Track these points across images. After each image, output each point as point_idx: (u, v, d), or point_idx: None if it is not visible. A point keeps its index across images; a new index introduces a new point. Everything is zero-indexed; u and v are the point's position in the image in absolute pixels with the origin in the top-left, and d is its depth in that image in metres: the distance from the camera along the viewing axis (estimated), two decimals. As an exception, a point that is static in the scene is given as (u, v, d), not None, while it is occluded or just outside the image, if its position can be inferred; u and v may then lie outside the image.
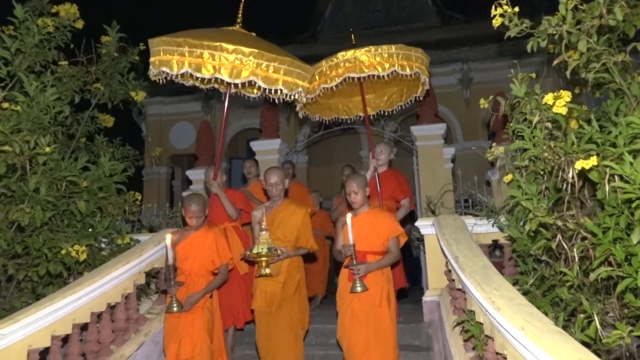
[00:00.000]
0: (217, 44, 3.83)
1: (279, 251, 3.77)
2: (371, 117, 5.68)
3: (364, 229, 3.71)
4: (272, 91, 4.17)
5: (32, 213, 3.81)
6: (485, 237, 4.31)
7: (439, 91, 7.67)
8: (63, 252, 3.91)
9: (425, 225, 4.59)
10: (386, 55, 4.57)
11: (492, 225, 4.19)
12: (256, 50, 3.88)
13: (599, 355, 2.44)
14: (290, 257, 3.96)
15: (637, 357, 2.48)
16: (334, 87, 4.80)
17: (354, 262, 3.53)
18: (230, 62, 3.85)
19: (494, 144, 3.62)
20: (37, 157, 3.97)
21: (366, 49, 4.62)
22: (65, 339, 3.57)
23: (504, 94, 4.24)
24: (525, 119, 3.02)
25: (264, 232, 3.74)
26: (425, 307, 4.54)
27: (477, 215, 4.39)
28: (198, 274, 3.84)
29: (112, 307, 3.98)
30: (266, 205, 4.11)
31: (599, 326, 2.40)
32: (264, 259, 3.72)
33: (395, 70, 4.58)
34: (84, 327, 3.72)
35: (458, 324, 3.38)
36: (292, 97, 4.23)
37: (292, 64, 4.08)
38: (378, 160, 5.09)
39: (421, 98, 5.31)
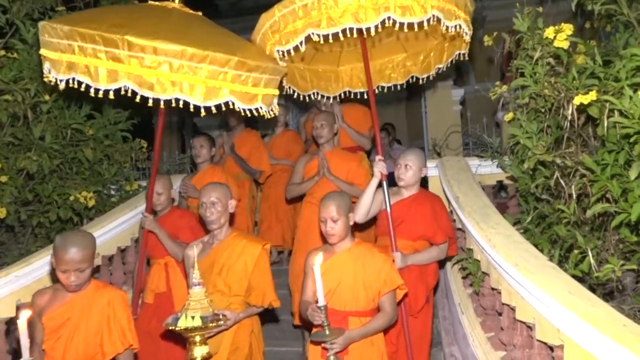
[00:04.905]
0: (180, 48, 2.54)
1: (221, 317, 2.33)
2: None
3: (345, 278, 2.57)
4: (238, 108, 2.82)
5: (39, 161, 3.90)
6: (489, 177, 4.30)
7: (450, 31, 7.44)
8: (72, 198, 4.02)
9: (429, 167, 4.57)
10: None
11: (497, 166, 4.17)
12: (235, 58, 2.68)
13: (593, 290, 2.49)
14: (239, 322, 2.69)
15: (630, 290, 2.52)
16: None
17: (326, 331, 2.35)
18: (201, 78, 2.62)
19: (497, 83, 3.55)
20: (40, 105, 4.01)
21: None
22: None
23: (515, 32, 4.08)
24: (527, 55, 2.94)
25: (196, 289, 2.28)
26: (429, 247, 4.60)
27: (481, 157, 4.37)
28: None
29: (122, 251, 4.10)
30: (204, 241, 2.83)
31: (592, 261, 2.42)
32: (197, 334, 2.27)
33: (437, 17, 2.77)
34: (96, 270, 3.87)
35: (457, 261, 3.43)
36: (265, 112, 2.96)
37: (275, 70, 2.94)
38: (399, 179, 3.25)
39: (466, 56, 3.56)
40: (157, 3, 3.13)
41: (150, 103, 2.66)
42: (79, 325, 2.36)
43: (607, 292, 2.63)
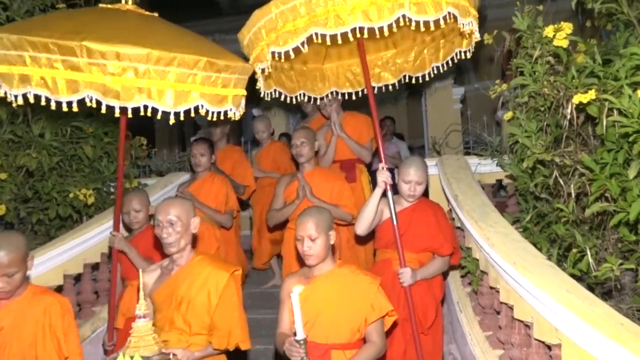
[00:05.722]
0: (145, 51, 2.35)
1: (171, 357, 2.02)
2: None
3: (326, 306, 2.26)
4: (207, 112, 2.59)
5: (38, 158, 3.90)
6: (489, 176, 4.29)
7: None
8: (71, 195, 4.02)
9: (428, 166, 4.55)
10: None
11: (496, 165, 4.16)
12: (204, 59, 2.50)
13: (592, 289, 2.49)
14: None
15: (629, 289, 2.52)
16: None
17: None
18: (169, 82, 2.42)
19: (497, 81, 3.54)
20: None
21: None
22: (78, 278, 3.74)
23: (516, 31, 4.03)
24: (527, 54, 2.93)
25: (140, 323, 1.96)
26: (428, 246, 4.59)
27: (481, 155, 4.36)
28: None
29: (121, 248, 4.10)
30: (163, 266, 2.39)
31: (591, 260, 2.42)
32: None
33: (453, 14, 2.56)
34: (95, 267, 3.88)
35: (456, 260, 3.43)
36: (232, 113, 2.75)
37: (244, 69, 2.76)
38: (410, 196, 2.97)
39: (469, 53, 3.31)
40: (109, 6, 2.89)
41: (117, 113, 2.46)
42: (11, 335, 2.14)
43: (606, 291, 2.63)
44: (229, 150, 4.66)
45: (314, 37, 2.53)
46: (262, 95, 3.39)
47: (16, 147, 4.10)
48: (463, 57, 3.32)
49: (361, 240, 3.51)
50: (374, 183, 3.02)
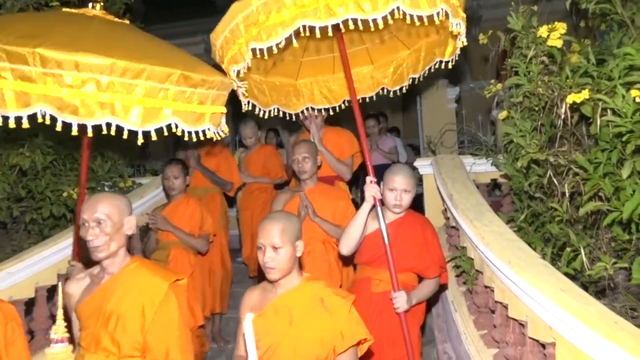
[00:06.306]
0: (109, 61, 2.08)
1: None
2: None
3: (289, 329, 1.92)
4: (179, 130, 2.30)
5: (32, 157, 3.89)
6: (484, 176, 4.31)
7: (445, 29, 7.44)
8: (65, 194, 4.01)
9: (424, 165, 4.59)
10: None
11: (491, 164, 4.18)
12: (177, 72, 2.22)
13: (585, 288, 2.50)
14: None
15: (622, 288, 2.53)
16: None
17: None
18: (136, 97, 2.13)
19: (492, 81, 3.56)
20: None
21: None
22: (72, 278, 3.72)
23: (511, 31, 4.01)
24: (521, 54, 2.95)
25: (55, 349, 1.69)
26: (423, 246, 4.58)
27: (476, 155, 4.38)
28: None
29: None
30: (93, 274, 2.02)
31: (584, 259, 2.43)
32: None
33: (445, 11, 2.42)
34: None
35: (451, 259, 3.44)
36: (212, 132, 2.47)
37: (223, 84, 2.49)
38: (396, 206, 2.69)
39: (451, 64, 3.15)
40: (74, 10, 2.62)
41: (75, 131, 2.11)
42: None
43: (599, 290, 2.64)
44: (211, 147, 4.55)
45: (302, 30, 2.30)
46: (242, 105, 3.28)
47: (9, 146, 4.08)
48: (442, 67, 3.19)
49: (346, 260, 3.27)
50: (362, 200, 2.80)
